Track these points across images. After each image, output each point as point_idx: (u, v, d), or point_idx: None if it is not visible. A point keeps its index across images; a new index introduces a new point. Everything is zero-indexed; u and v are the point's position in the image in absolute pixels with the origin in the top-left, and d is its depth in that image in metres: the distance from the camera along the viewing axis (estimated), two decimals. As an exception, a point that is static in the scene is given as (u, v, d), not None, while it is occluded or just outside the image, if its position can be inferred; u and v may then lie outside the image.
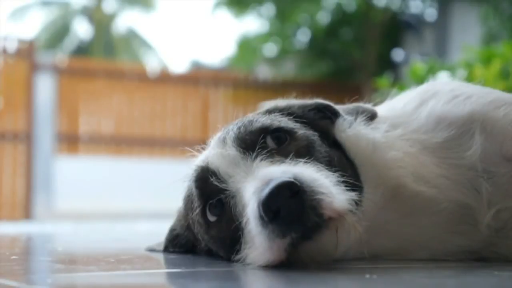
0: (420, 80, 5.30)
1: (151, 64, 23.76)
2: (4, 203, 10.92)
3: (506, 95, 1.85)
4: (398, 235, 1.72)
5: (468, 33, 11.39)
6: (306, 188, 1.45)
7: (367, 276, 1.38)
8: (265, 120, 1.72)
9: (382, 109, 1.90)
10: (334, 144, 1.78)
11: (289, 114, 1.81)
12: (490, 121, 1.74)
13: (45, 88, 11.59)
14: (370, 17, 12.78)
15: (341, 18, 13.28)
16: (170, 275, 1.51)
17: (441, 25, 12.75)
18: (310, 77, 13.66)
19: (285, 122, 1.74)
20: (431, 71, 5.50)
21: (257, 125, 1.71)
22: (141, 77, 12.59)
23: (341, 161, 1.72)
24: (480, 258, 1.73)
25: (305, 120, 1.79)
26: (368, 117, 1.81)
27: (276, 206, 1.43)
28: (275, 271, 1.47)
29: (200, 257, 1.87)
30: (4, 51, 11.12)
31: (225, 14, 14.04)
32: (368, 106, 1.88)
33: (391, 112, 1.87)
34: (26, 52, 11.22)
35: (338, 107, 1.86)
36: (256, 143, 1.65)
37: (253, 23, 27.16)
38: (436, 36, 12.75)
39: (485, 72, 4.68)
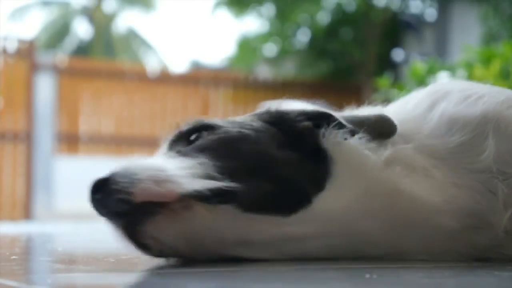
0: (420, 80, 5.30)
1: (151, 64, 23.75)
2: (4, 203, 10.91)
3: None
4: (397, 244, 1.66)
5: (468, 33, 11.39)
6: (112, 179, 1.45)
7: (367, 276, 1.38)
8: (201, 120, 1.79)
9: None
10: (316, 152, 1.64)
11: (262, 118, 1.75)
12: (504, 120, 1.70)
13: (45, 88, 11.58)
14: (370, 17, 12.77)
15: (341, 18, 13.27)
16: (170, 275, 1.51)
17: (441, 25, 12.74)
18: (310, 77, 13.65)
19: (218, 120, 1.77)
20: (431, 71, 5.50)
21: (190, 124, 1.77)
22: (141, 77, 12.58)
23: (298, 164, 1.60)
24: (480, 258, 1.71)
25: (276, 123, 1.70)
26: (379, 133, 1.64)
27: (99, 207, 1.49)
28: (275, 271, 1.48)
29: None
30: (4, 51, 11.11)
31: (225, 14, 14.03)
32: (387, 118, 1.67)
33: (397, 116, 1.74)
34: (26, 52, 11.22)
35: (347, 116, 1.69)
36: (187, 141, 1.70)
37: (253, 23, 27.11)
38: (436, 36, 12.74)
39: (485, 72, 4.68)
